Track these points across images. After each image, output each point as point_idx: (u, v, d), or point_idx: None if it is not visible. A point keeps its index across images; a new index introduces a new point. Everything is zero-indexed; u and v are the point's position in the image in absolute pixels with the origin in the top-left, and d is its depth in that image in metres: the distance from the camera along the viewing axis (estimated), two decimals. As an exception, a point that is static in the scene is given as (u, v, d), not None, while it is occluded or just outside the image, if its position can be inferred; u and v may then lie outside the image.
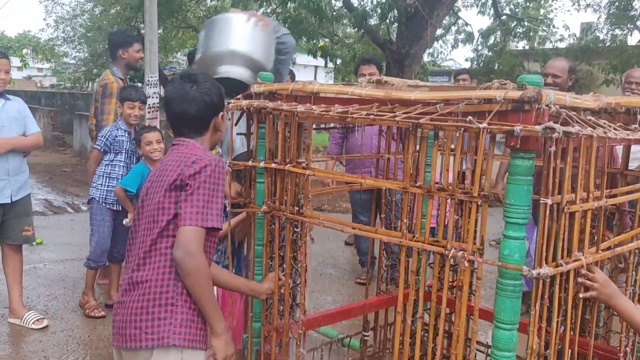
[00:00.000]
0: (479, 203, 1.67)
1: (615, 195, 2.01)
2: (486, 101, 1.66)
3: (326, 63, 14.12)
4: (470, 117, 1.63)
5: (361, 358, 2.85)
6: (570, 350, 1.78)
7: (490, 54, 14.15)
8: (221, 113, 1.97)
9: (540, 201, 1.59)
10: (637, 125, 1.98)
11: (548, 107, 1.57)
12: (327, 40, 13.40)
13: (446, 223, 1.92)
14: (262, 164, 2.22)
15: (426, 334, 1.94)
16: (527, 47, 15.14)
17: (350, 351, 3.16)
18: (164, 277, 1.82)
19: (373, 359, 2.88)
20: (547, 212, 1.61)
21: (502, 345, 1.60)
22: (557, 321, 1.73)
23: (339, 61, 13.96)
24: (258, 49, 2.57)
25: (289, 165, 2.15)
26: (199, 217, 1.75)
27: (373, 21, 10.65)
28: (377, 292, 2.96)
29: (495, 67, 13.21)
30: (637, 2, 12.47)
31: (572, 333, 1.84)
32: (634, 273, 2.17)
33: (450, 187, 1.74)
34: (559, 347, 1.78)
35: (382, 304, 2.83)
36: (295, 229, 2.21)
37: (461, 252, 1.69)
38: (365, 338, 2.82)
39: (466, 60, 16.34)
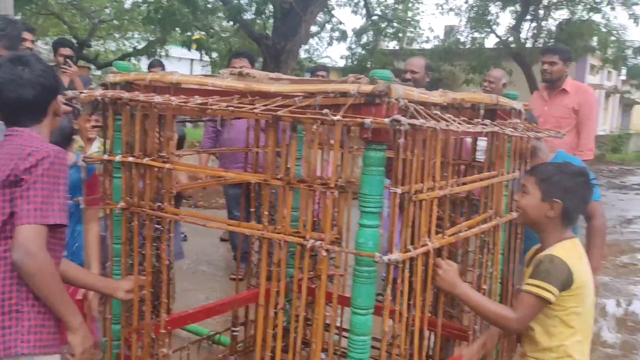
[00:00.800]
0: (335, 194, 1.71)
1: (462, 185, 2.16)
2: (342, 94, 1.71)
3: (201, 56, 13.79)
4: (326, 110, 1.67)
5: (231, 354, 2.82)
6: (421, 330, 1.89)
7: (363, 52, 14.68)
8: (59, 96, 1.84)
9: (390, 190, 1.67)
10: (480, 120, 2.15)
11: (397, 101, 1.65)
12: (202, 33, 13.12)
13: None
14: (118, 158, 2.11)
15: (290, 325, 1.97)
16: (397, 47, 15.93)
17: (221, 348, 3.12)
18: (4, 283, 1.68)
19: (244, 354, 2.86)
20: (397, 200, 1.69)
21: (358, 329, 1.66)
22: (409, 304, 1.83)
23: (215, 55, 13.72)
24: None
25: (147, 159, 2.06)
26: (38, 214, 1.62)
27: (249, 15, 10.58)
28: (247, 286, 2.95)
29: (368, 65, 13.74)
30: (493, 7, 13.59)
31: (430, 315, 1.97)
32: (480, 256, 2.36)
33: (309, 179, 1.78)
34: (412, 328, 1.88)
35: (252, 299, 2.82)
36: (156, 226, 2.13)
37: (319, 242, 1.73)
38: (235, 334, 2.80)
39: (341, 58, 16.83)
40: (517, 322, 1.86)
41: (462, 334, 2.40)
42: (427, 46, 16.01)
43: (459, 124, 1.86)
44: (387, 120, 1.54)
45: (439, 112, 1.86)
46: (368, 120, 1.56)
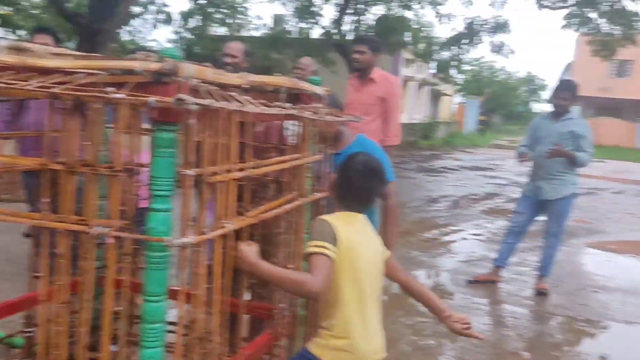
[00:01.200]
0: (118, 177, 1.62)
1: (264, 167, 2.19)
2: (128, 72, 1.61)
3: (7, 33, 12.44)
4: (110, 88, 1.57)
5: (24, 357, 2.56)
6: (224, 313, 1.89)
7: (192, 37, 14.32)
8: None
9: (181, 173, 1.62)
10: (279, 102, 2.19)
11: (187, 81, 1.60)
12: (9, 8, 11.82)
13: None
14: None
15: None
16: (227, 34, 15.80)
17: (19, 351, 2.83)
18: None
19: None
20: (190, 183, 1.65)
21: (151, 317, 1.59)
22: (210, 287, 1.81)
23: (23, 32, 12.44)
24: None
25: None
26: None
27: (61, -10, 9.67)
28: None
29: (197, 51, 13.45)
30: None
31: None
32: (287, 236, 2.42)
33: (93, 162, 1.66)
34: (213, 310, 1.86)
35: (50, 296, 2.59)
36: None
37: (108, 229, 1.63)
38: (29, 334, 2.55)
39: (168, 42, 16.21)
40: (315, 283, 1.83)
41: (270, 312, 2.45)
42: (257, 34, 16.11)
43: (255, 106, 1.87)
44: (171, 99, 1.49)
45: (236, 94, 1.85)
46: (152, 99, 1.49)
